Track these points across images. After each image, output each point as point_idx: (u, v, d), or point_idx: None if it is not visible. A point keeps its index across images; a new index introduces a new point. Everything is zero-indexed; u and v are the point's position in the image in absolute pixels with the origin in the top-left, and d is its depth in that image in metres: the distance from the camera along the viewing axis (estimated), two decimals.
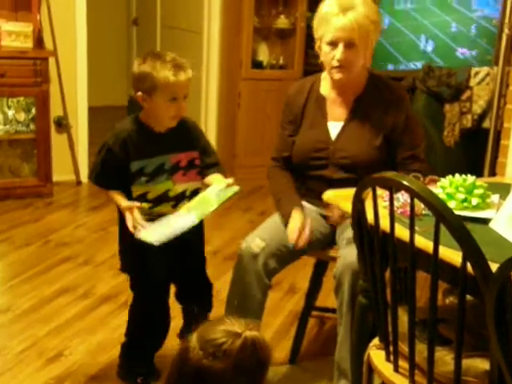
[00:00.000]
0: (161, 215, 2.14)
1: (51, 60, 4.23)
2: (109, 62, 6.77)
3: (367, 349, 1.84)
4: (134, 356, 2.40)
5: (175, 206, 2.18)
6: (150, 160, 2.14)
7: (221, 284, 3.28)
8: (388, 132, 2.28)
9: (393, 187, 1.61)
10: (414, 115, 2.40)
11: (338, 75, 2.25)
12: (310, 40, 5.19)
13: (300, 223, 2.25)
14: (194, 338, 1.16)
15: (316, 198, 2.33)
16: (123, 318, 2.86)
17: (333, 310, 2.93)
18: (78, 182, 4.65)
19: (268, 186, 2.48)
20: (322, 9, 2.24)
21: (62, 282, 3.18)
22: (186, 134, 2.22)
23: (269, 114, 4.94)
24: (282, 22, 4.87)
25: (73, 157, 4.64)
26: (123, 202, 2.13)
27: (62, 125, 4.54)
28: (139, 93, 2.08)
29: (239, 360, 1.13)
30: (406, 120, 2.30)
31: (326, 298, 3.04)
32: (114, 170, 2.16)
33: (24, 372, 2.45)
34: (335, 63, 2.22)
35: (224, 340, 1.13)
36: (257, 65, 4.86)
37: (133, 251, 2.22)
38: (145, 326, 2.36)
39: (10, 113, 4.30)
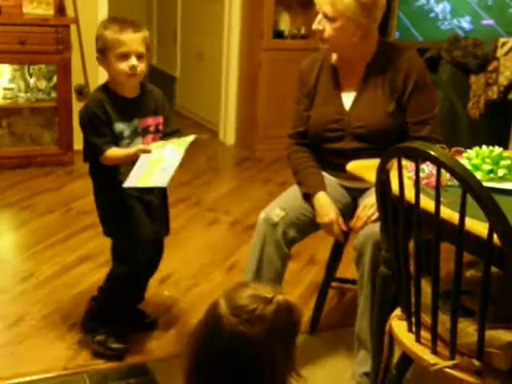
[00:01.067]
0: None
1: (72, 28, 4.22)
2: None
3: (389, 319, 1.84)
4: (99, 313, 2.44)
5: None
6: (127, 123, 2.23)
7: (240, 254, 3.32)
8: (399, 95, 2.25)
9: (419, 157, 1.60)
10: (427, 80, 2.33)
11: (322, 45, 2.27)
12: None
13: (334, 214, 2.25)
14: (221, 305, 1.15)
15: (334, 170, 2.33)
16: (155, 291, 2.89)
17: (352, 281, 2.94)
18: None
19: (289, 165, 2.45)
20: None
21: (83, 249, 3.21)
22: (153, 101, 2.31)
23: (290, 85, 4.86)
24: None
25: None
26: (132, 148, 2.19)
27: (83, 93, 4.53)
28: (97, 55, 2.19)
29: (274, 324, 1.13)
30: (417, 82, 2.24)
31: (346, 268, 3.04)
32: (104, 131, 2.21)
33: (47, 337, 2.49)
34: (313, 28, 2.24)
35: (255, 305, 1.13)
36: (278, 34, 4.80)
37: (117, 213, 2.31)
38: (123, 291, 2.41)
39: (32, 80, 4.32)
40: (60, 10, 4.22)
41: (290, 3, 4.88)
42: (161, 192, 2.38)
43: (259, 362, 1.13)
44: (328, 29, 2.19)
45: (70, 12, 4.29)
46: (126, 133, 2.24)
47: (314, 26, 2.22)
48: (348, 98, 2.32)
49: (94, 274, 2.97)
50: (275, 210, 2.27)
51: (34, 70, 4.30)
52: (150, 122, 2.29)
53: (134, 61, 2.15)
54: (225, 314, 1.13)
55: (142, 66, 2.18)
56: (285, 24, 4.87)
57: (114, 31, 2.13)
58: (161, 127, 2.32)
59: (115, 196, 2.26)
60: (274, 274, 2.28)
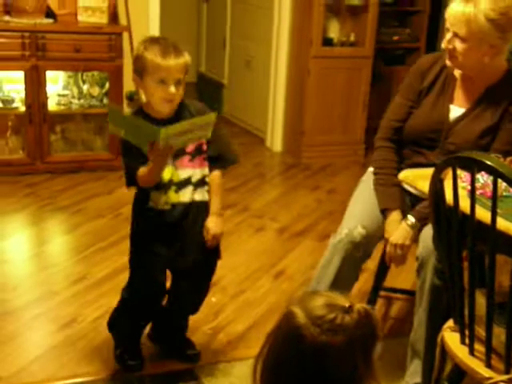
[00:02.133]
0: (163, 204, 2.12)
1: (125, 35, 4.30)
2: (179, 38, 6.78)
3: (441, 331, 1.82)
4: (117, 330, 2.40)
5: (178, 191, 2.13)
6: None
7: (287, 261, 3.32)
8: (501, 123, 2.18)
9: (474, 167, 1.58)
10: None
11: (448, 61, 2.19)
12: (382, 17, 5.11)
13: (402, 239, 2.21)
14: (298, 315, 1.14)
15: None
16: None
17: (401, 291, 2.93)
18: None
19: (373, 159, 2.41)
20: None
21: None
22: (190, 117, 2.11)
23: (338, 92, 4.89)
24: None
25: None
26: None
27: (134, 99, 4.60)
28: (133, 75, 2.06)
29: (355, 332, 1.13)
30: None
31: (395, 278, 3.02)
32: (138, 153, 2.02)
33: (99, 339, 2.53)
34: (443, 47, 2.16)
35: (334, 314, 1.13)
36: (327, 42, 4.79)
37: (134, 243, 2.22)
38: (126, 314, 2.34)
39: (85, 87, 4.41)
40: (113, 18, 4.30)
41: (340, 10, 4.86)
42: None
43: (341, 370, 1.13)
44: (459, 48, 2.10)
45: (122, 20, 4.38)
46: None
47: (444, 45, 2.14)
48: (455, 112, 2.25)
49: None
50: (358, 229, 2.24)
51: (88, 76, 4.39)
52: None
53: (172, 88, 2.01)
54: (305, 323, 1.12)
55: (180, 92, 2.05)
56: (334, 31, 4.86)
57: (154, 54, 2.00)
58: (204, 147, 2.15)
59: (143, 225, 2.17)
60: (345, 288, 2.27)
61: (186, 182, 2.13)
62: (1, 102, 4.18)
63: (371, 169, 2.50)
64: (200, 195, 2.18)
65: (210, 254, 2.29)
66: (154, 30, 4.62)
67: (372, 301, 2.61)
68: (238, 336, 2.62)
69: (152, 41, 2.06)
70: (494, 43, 2.07)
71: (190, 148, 2.11)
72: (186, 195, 2.14)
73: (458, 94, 2.26)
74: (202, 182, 2.17)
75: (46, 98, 4.15)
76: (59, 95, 4.33)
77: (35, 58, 4.03)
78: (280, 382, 1.16)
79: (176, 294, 2.35)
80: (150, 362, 2.41)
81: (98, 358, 2.42)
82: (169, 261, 2.21)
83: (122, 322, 2.38)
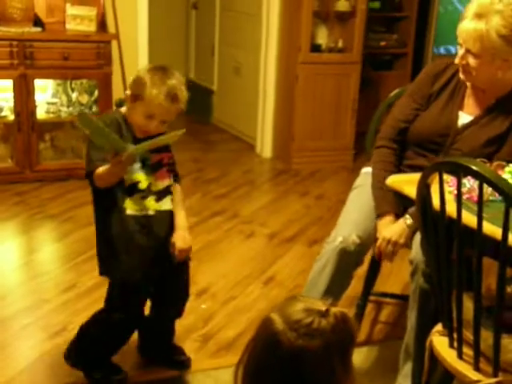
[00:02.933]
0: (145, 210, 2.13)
1: (113, 43, 4.30)
2: (168, 45, 6.83)
3: (430, 335, 1.83)
4: (90, 361, 2.31)
5: (158, 201, 2.15)
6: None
7: (277, 267, 3.33)
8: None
9: (460, 172, 1.59)
10: None
11: (461, 76, 2.21)
12: (369, 22, 5.14)
13: (396, 236, 2.20)
14: (276, 321, 1.15)
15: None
16: (192, 304, 2.88)
17: (390, 295, 2.95)
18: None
19: (373, 159, 2.41)
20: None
21: None
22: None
23: (327, 98, 4.91)
24: (342, 4, 4.81)
25: None
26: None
27: (123, 107, 4.61)
28: (128, 92, 2.07)
29: (332, 336, 1.13)
30: None
31: (384, 282, 3.04)
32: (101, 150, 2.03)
33: None
34: (456, 63, 2.18)
35: (311, 319, 1.13)
36: (315, 48, 4.82)
37: (109, 249, 2.15)
38: (108, 334, 2.26)
39: (74, 95, 4.41)
40: (102, 26, 4.31)
41: (328, 16, 4.89)
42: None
43: (319, 375, 1.14)
44: (472, 64, 2.11)
45: (111, 28, 4.38)
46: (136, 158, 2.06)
47: (457, 61, 2.15)
48: (464, 119, 2.26)
49: None
50: (352, 237, 2.24)
51: (76, 84, 4.39)
52: (163, 155, 2.18)
53: (156, 125, 2.06)
54: (282, 329, 1.13)
55: (161, 129, 2.09)
56: (322, 38, 4.89)
57: (159, 93, 2.00)
58: (171, 161, 2.22)
59: (114, 225, 2.11)
60: (337, 294, 2.28)
61: (165, 191, 2.18)
62: None
63: (365, 170, 2.50)
64: (169, 204, 2.21)
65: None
66: (143, 38, 4.64)
67: (362, 305, 2.62)
68: (227, 343, 2.62)
69: (160, 73, 2.05)
70: (507, 58, 2.08)
71: (166, 160, 2.17)
72: (166, 204, 2.18)
73: (468, 101, 2.27)
74: (170, 192, 2.21)
75: (35, 107, 4.14)
76: (48, 103, 4.33)
77: (23, 66, 4.03)
78: None
79: (158, 301, 2.34)
80: (138, 370, 2.41)
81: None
82: (146, 267, 2.18)
83: (103, 338, 2.26)
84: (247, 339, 2.54)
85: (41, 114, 4.25)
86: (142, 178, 2.11)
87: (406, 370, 2.17)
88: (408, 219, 2.18)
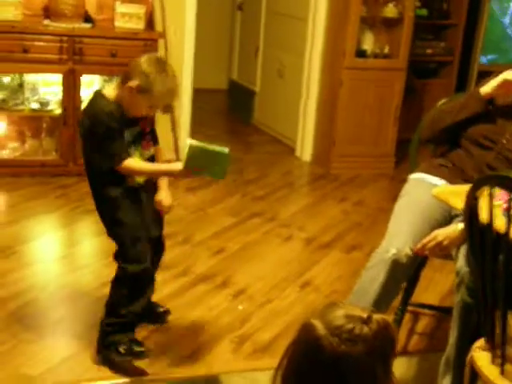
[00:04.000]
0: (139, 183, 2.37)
1: (160, 42, 4.34)
2: (212, 45, 6.88)
3: (471, 350, 1.81)
4: (116, 329, 2.43)
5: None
6: (132, 128, 2.31)
7: (314, 272, 3.32)
8: None
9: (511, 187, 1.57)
10: None
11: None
12: (417, 30, 5.09)
13: (441, 236, 2.18)
14: (317, 327, 1.15)
15: (458, 176, 2.33)
16: (220, 298, 2.96)
17: (428, 306, 2.91)
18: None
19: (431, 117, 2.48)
20: None
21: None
22: None
23: (370, 104, 4.88)
24: (390, 10, 4.77)
25: (174, 137, 4.75)
26: (164, 166, 2.38)
27: (167, 105, 4.65)
28: (136, 83, 2.20)
29: (374, 342, 1.13)
30: None
31: (422, 293, 3.01)
32: (121, 139, 2.27)
33: None
34: None
35: (352, 325, 1.13)
36: (360, 53, 4.79)
37: (116, 213, 2.36)
38: (129, 295, 2.41)
39: None
40: (149, 24, 4.35)
41: (375, 22, 4.86)
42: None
43: (361, 381, 1.13)
44: None
45: (158, 27, 4.42)
46: (130, 138, 2.30)
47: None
48: None
49: (172, 284, 3.03)
50: (406, 250, 2.22)
51: None
52: (145, 124, 2.38)
53: (154, 112, 2.35)
54: (324, 334, 1.13)
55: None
56: (368, 43, 4.86)
57: (163, 87, 2.20)
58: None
59: (118, 192, 2.33)
60: (387, 305, 2.29)
61: (151, 160, 2.41)
62: (37, 104, 4.25)
63: (414, 176, 2.49)
64: None
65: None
66: (190, 37, 4.67)
67: (399, 316, 2.60)
68: (263, 345, 2.62)
69: (166, 73, 2.23)
70: None
71: (148, 129, 2.40)
72: None
73: None
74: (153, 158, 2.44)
75: (81, 102, 4.20)
76: None
77: (72, 61, 4.10)
78: None
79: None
80: (173, 366, 2.43)
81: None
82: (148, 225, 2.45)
83: (127, 302, 2.41)
84: (283, 342, 2.54)
85: None
86: (136, 155, 2.33)
87: (446, 383, 2.14)
88: (461, 224, 2.16)
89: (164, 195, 2.48)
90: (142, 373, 2.37)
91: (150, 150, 2.41)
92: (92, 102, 2.33)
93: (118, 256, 2.43)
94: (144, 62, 2.22)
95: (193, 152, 2.16)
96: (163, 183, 2.49)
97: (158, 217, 2.53)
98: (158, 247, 2.58)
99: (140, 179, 2.37)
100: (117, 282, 2.43)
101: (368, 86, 4.83)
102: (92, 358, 2.44)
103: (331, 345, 1.12)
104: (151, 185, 2.46)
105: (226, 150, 2.18)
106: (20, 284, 2.91)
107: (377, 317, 1.15)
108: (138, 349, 2.43)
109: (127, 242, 2.38)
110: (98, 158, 2.28)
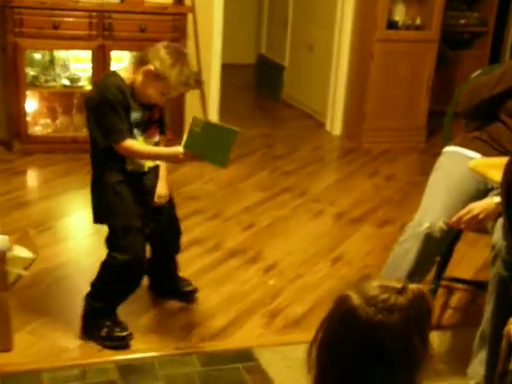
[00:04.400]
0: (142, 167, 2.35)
1: (189, 16, 4.32)
2: (240, 19, 6.82)
3: (508, 323, 1.78)
4: (100, 309, 2.40)
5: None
6: (142, 111, 2.28)
7: (346, 247, 3.31)
8: None
9: None
10: None
11: None
12: (450, 0, 4.98)
13: (477, 209, 2.14)
14: (353, 298, 1.15)
15: (494, 149, 2.29)
16: (251, 273, 2.97)
17: (462, 281, 2.89)
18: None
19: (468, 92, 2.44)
20: None
21: (192, 233, 3.28)
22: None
23: (401, 77, 4.81)
24: None
25: (204, 112, 4.74)
26: (164, 149, 2.31)
27: (196, 80, 4.63)
28: (152, 68, 2.19)
29: (410, 311, 1.14)
30: None
31: (456, 267, 2.98)
32: (124, 117, 2.22)
33: (161, 316, 2.59)
34: None
35: (388, 295, 1.14)
36: (392, 25, 4.71)
37: (112, 199, 2.31)
38: (117, 278, 2.37)
39: None
40: None
41: None
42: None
43: (398, 351, 1.14)
44: None
45: (187, 1, 4.39)
46: (135, 121, 2.26)
47: None
48: None
49: (203, 259, 3.05)
50: (440, 224, 2.20)
51: None
52: (153, 111, 2.34)
53: (165, 99, 2.29)
54: (360, 305, 1.14)
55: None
56: (399, 14, 4.77)
57: (179, 75, 2.17)
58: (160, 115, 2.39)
59: (117, 177, 2.29)
60: (420, 279, 2.26)
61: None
62: (68, 81, 4.27)
63: (448, 148, 2.45)
64: None
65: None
66: (218, 12, 4.64)
67: (433, 290, 2.58)
68: (295, 320, 2.63)
69: (183, 62, 2.21)
70: None
71: (156, 116, 2.35)
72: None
73: None
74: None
75: None
76: None
77: (102, 37, 4.10)
78: (336, 365, 1.17)
79: (155, 241, 2.53)
80: (205, 340, 2.45)
81: (160, 335, 2.46)
82: (145, 214, 2.40)
83: (112, 287, 2.38)
84: (315, 317, 2.57)
85: None
86: (140, 140, 2.29)
87: (481, 356, 2.12)
88: (497, 197, 2.12)
89: (160, 185, 2.45)
90: (127, 343, 2.36)
91: (155, 139, 2.36)
92: (105, 77, 2.33)
93: (108, 243, 2.38)
94: (164, 48, 2.21)
95: (196, 125, 2.09)
96: (161, 172, 2.47)
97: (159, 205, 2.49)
98: (171, 230, 2.58)
99: (147, 164, 2.35)
100: (104, 268, 2.39)
101: (399, 58, 4.76)
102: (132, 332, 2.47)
103: (367, 314, 1.12)
104: (156, 173, 2.43)
105: (235, 128, 2.11)
106: (55, 259, 2.95)
107: (412, 286, 1.16)
108: (119, 333, 2.36)
109: (118, 231, 2.33)
110: (99, 134, 2.24)
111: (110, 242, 2.37)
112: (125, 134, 2.20)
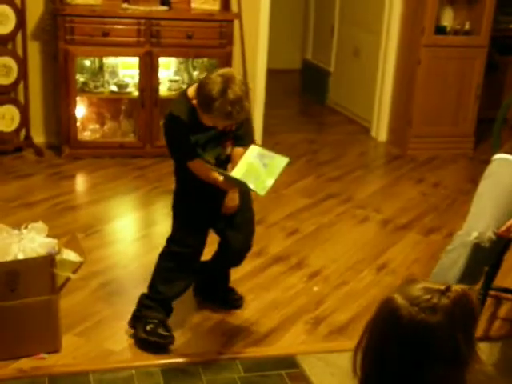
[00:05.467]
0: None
1: (236, 22, 4.34)
2: (286, 25, 6.84)
3: None
4: (151, 305, 2.46)
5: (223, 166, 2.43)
6: (206, 132, 2.33)
7: (391, 254, 3.27)
8: None
9: None
10: None
11: None
12: (500, 4, 4.89)
13: None
14: (397, 299, 1.16)
15: None
16: (295, 279, 2.97)
17: (511, 291, 2.82)
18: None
19: None
20: None
21: None
22: None
23: (449, 83, 4.74)
24: None
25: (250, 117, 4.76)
26: (219, 177, 2.34)
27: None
28: (197, 101, 2.22)
29: (454, 311, 1.13)
30: None
31: (505, 277, 2.92)
32: (190, 139, 2.32)
33: (201, 320, 2.61)
34: None
35: (431, 295, 1.14)
36: (440, 30, 4.65)
37: (186, 200, 2.46)
38: (168, 272, 2.46)
39: (195, 73, 4.50)
40: (225, 5, 4.36)
41: None
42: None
43: (443, 351, 1.13)
44: None
45: (233, 7, 4.42)
46: (202, 140, 2.34)
47: None
48: None
49: (247, 265, 3.02)
50: (489, 234, 2.16)
51: (198, 63, 4.48)
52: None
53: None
54: (403, 305, 1.14)
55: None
56: (448, 19, 4.71)
57: (223, 113, 2.16)
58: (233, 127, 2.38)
59: (191, 182, 2.39)
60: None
61: (227, 159, 2.44)
62: (116, 87, 4.34)
63: (498, 156, 2.40)
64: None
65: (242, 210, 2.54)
66: (264, 18, 4.65)
67: (481, 300, 2.52)
68: (339, 327, 2.61)
69: (225, 91, 2.15)
70: None
71: (231, 128, 2.37)
72: (228, 169, 2.44)
73: None
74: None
75: (158, 84, 4.27)
76: (170, 81, 4.45)
77: (149, 44, 4.16)
78: (381, 367, 1.17)
79: (225, 248, 2.57)
80: (248, 346, 2.45)
81: (202, 340, 2.48)
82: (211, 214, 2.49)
83: (164, 280, 2.46)
84: (359, 324, 2.54)
85: (163, 90, 4.37)
86: (212, 154, 2.39)
87: None
88: None
89: (229, 196, 2.47)
90: (168, 343, 2.40)
91: (227, 151, 2.42)
92: (174, 99, 2.43)
93: (169, 238, 2.51)
94: (211, 83, 2.18)
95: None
96: None
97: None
98: (241, 241, 2.56)
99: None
100: (159, 258, 2.52)
101: (447, 63, 4.69)
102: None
103: (410, 313, 1.13)
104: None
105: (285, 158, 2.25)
106: (102, 262, 3.00)
107: (456, 287, 1.16)
108: (163, 332, 2.40)
109: (181, 230, 2.47)
110: (171, 152, 2.42)
111: (171, 236, 2.50)
112: (188, 157, 2.34)
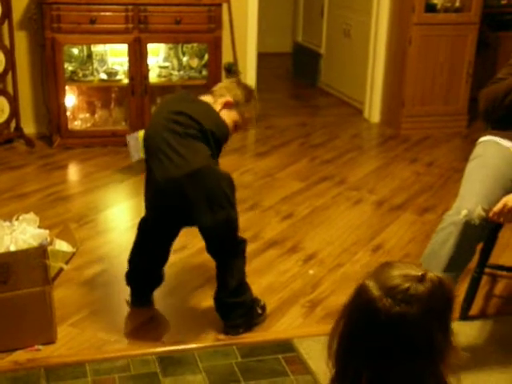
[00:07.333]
0: None
1: (224, 6, 4.30)
2: (276, 8, 6.79)
3: None
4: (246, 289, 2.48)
5: None
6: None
7: (386, 235, 3.27)
8: None
9: None
10: None
11: None
12: None
13: None
14: (371, 288, 1.14)
15: None
16: (290, 263, 2.96)
17: (507, 268, 2.82)
18: (245, 129, 4.75)
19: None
20: None
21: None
22: None
23: (441, 61, 4.71)
24: None
25: None
26: None
27: (232, 71, 4.63)
28: (230, 99, 2.35)
29: (430, 302, 1.11)
30: None
31: (501, 254, 2.91)
32: None
33: (198, 307, 2.60)
34: None
35: (408, 284, 1.12)
36: (430, 8, 4.61)
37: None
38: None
39: (185, 59, 4.47)
40: None
41: None
42: None
43: (418, 342, 1.12)
44: None
45: None
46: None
47: None
48: None
49: None
50: (478, 211, 2.15)
51: (187, 48, 4.45)
52: None
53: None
54: (378, 296, 1.12)
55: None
56: None
57: (251, 115, 2.42)
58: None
59: None
60: (460, 268, 2.23)
61: None
62: (105, 75, 4.31)
63: (484, 138, 2.40)
64: None
65: None
66: (253, 0, 4.61)
67: (477, 278, 2.52)
68: (336, 309, 2.56)
69: (251, 96, 2.42)
70: None
71: None
72: None
73: None
74: None
75: (148, 70, 4.24)
76: (160, 67, 4.42)
77: (138, 30, 4.12)
78: (355, 356, 1.16)
79: None
80: (245, 332, 2.44)
81: (199, 326, 2.47)
82: None
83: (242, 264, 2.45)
84: None
85: (153, 77, 4.34)
86: None
87: None
88: None
89: None
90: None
91: None
92: (213, 120, 2.34)
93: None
94: (235, 86, 2.39)
95: None
96: None
97: None
98: None
99: None
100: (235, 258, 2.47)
101: (438, 42, 4.67)
102: (168, 324, 2.49)
103: (385, 306, 1.11)
104: None
105: None
106: (95, 252, 2.99)
107: (431, 275, 1.14)
108: (259, 311, 2.50)
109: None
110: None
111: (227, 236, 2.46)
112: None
